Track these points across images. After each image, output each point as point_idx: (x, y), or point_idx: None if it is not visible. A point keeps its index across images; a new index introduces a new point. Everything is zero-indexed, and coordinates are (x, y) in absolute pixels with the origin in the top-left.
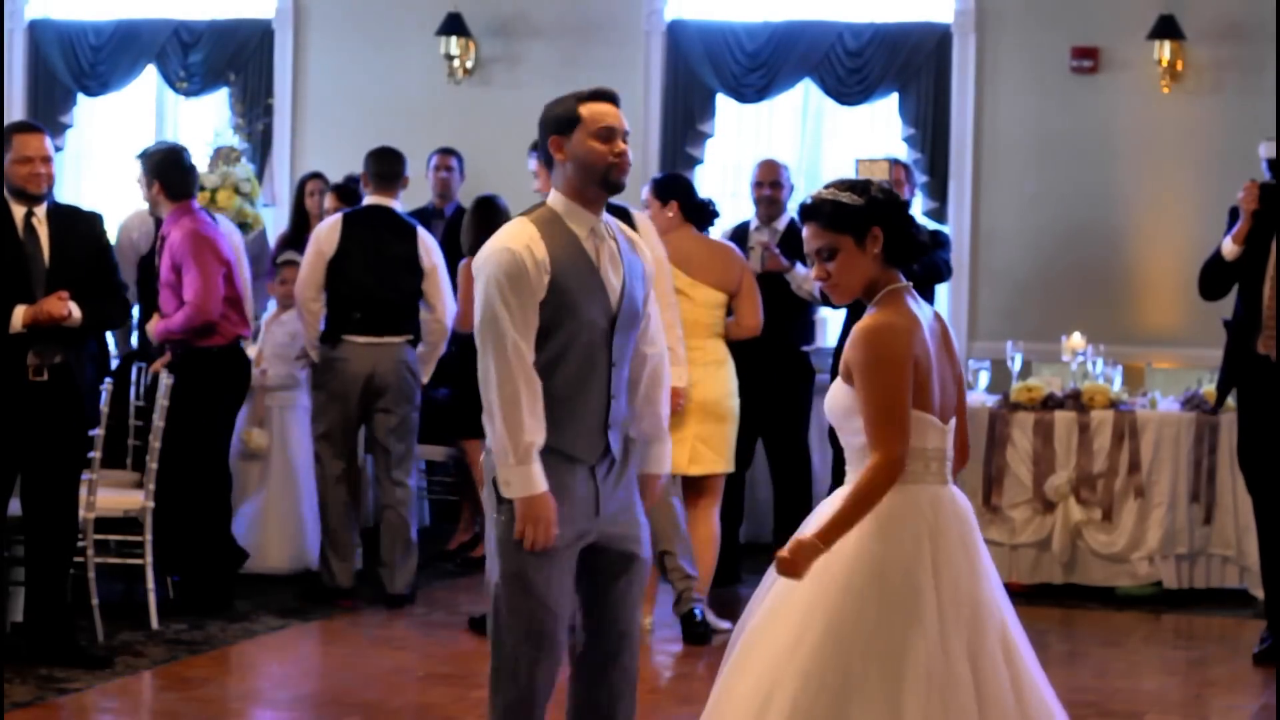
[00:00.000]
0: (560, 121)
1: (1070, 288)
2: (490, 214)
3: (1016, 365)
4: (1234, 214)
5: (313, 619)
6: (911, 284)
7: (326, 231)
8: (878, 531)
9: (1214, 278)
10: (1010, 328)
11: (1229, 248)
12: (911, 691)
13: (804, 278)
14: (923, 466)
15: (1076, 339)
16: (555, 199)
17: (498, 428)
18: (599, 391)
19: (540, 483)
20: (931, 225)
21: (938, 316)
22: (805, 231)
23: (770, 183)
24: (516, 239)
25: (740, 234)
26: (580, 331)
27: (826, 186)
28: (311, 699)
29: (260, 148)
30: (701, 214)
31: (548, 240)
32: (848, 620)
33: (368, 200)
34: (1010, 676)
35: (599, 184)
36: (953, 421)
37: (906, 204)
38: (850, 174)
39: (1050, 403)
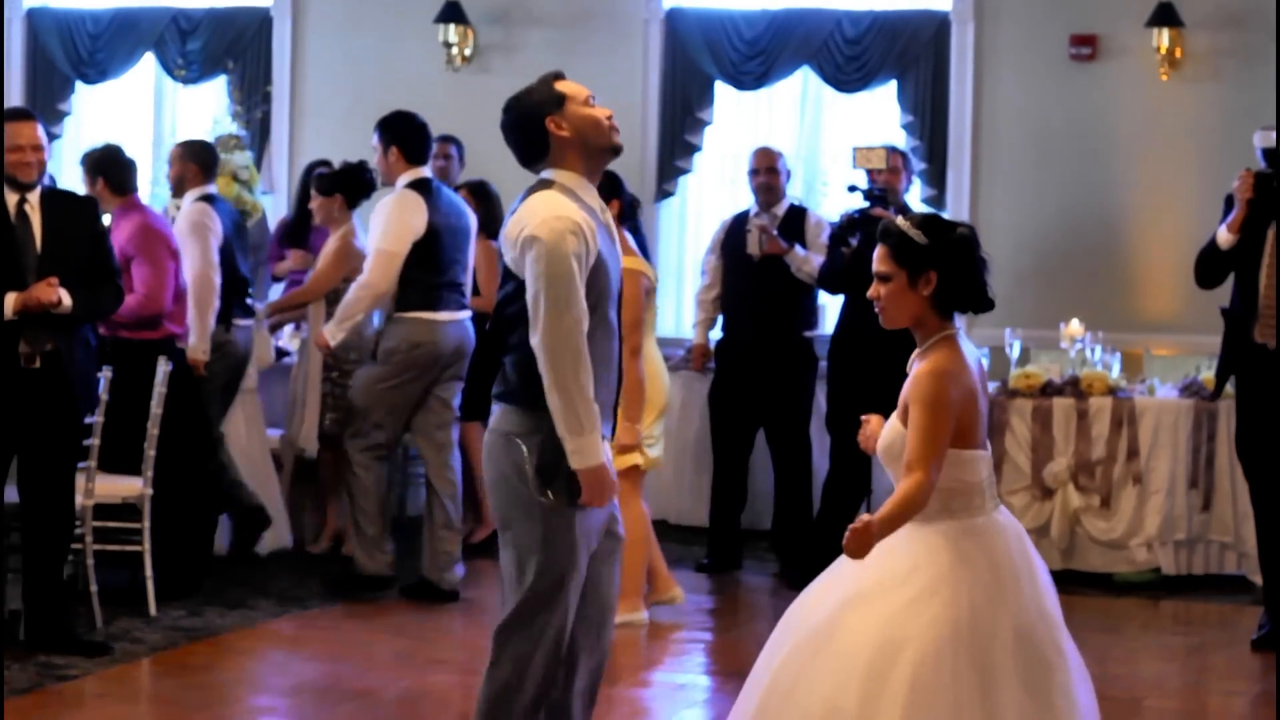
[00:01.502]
0: (547, 102)
1: (1068, 274)
2: (485, 199)
3: (1015, 352)
4: (1229, 202)
5: (311, 606)
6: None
7: (413, 209)
8: (957, 557)
9: (1210, 266)
10: (1009, 315)
11: (1224, 236)
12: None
13: (803, 259)
14: (979, 500)
15: (1075, 326)
16: (563, 175)
17: (570, 393)
18: (614, 363)
19: (606, 453)
20: (929, 212)
21: (975, 356)
22: (876, 250)
23: (766, 169)
24: (569, 208)
25: (739, 222)
26: (607, 305)
27: (910, 216)
28: (310, 685)
29: (259, 135)
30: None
31: (585, 212)
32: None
33: (418, 175)
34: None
35: (604, 149)
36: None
37: (978, 257)
38: (848, 161)
39: (1049, 389)
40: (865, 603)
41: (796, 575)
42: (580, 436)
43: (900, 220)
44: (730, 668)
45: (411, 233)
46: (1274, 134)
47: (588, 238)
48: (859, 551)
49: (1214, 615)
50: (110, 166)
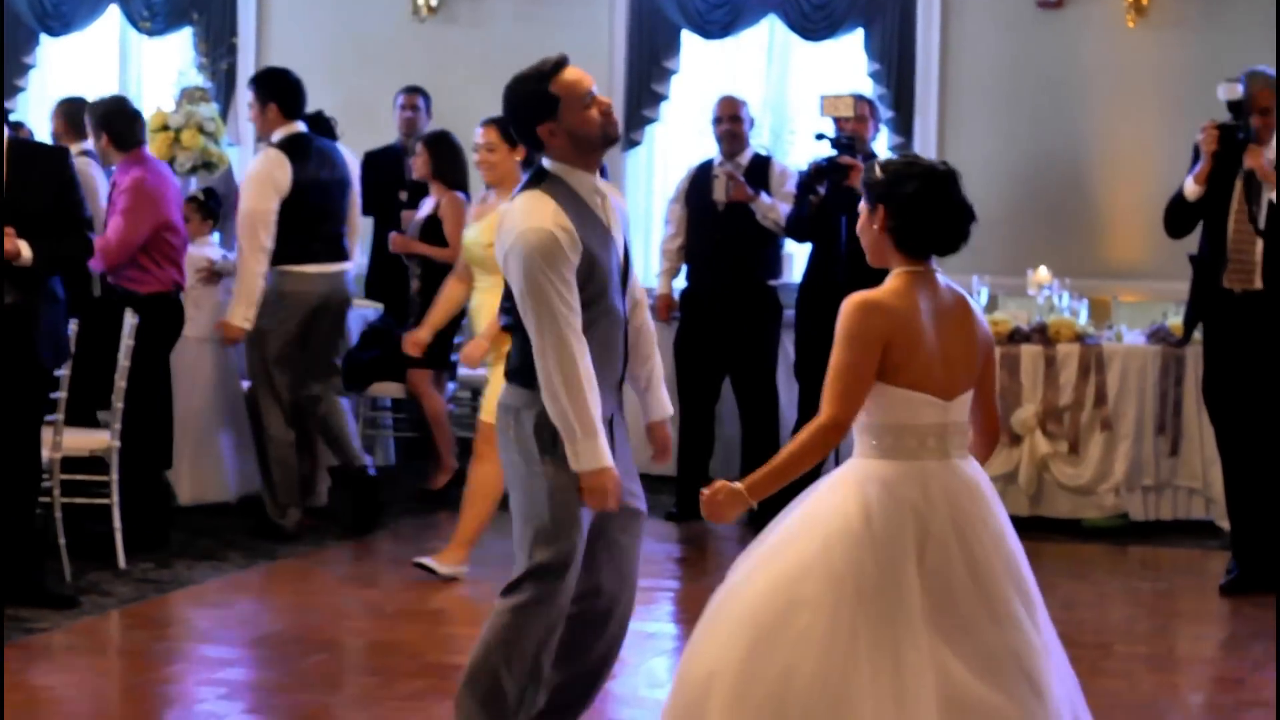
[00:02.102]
0: (541, 108)
1: (1036, 222)
2: (447, 148)
3: (983, 299)
4: (1196, 152)
5: (280, 557)
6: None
7: (276, 166)
8: (863, 507)
9: (1178, 217)
10: (976, 262)
11: (1190, 188)
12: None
13: (769, 207)
14: (916, 443)
15: (1043, 273)
16: (556, 166)
17: (564, 405)
18: (618, 348)
19: (607, 456)
20: (911, 155)
21: (960, 300)
22: None
23: (730, 117)
24: (545, 217)
25: (704, 170)
26: (605, 292)
27: (897, 156)
28: (279, 637)
29: (224, 87)
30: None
31: (568, 210)
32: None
33: (291, 130)
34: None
35: (600, 145)
36: (963, 398)
37: (936, 197)
38: (815, 109)
39: (1017, 336)
40: (766, 561)
41: (766, 523)
42: (576, 441)
43: (886, 158)
44: (698, 616)
45: (276, 190)
46: (1238, 85)
47: (564, 243)
48: (712, 516)
49: (1181, 560)
50: (115, 120)
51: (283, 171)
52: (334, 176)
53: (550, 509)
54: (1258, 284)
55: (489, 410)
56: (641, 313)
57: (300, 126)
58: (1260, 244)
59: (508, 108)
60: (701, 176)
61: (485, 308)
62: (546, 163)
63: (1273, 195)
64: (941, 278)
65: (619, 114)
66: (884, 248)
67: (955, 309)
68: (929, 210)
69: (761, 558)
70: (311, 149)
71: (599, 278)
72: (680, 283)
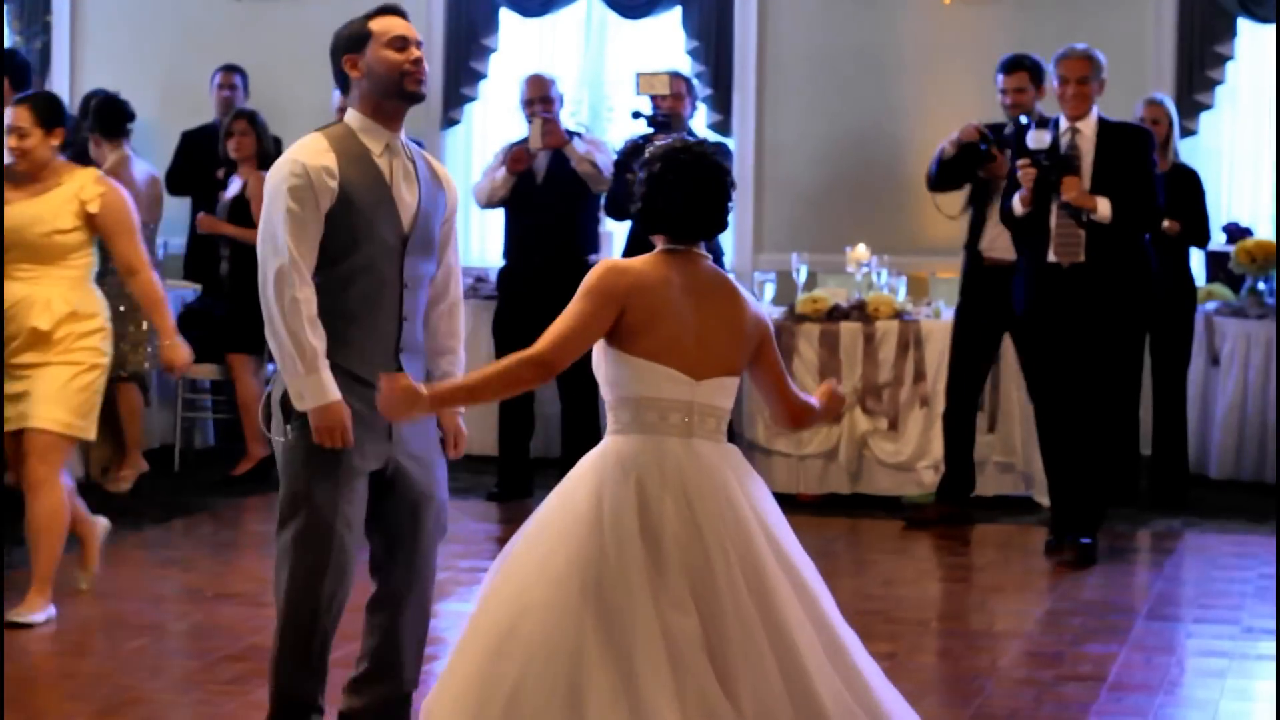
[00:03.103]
0: (352, 40)
1: (854, 199)
2: (261, 127)
3: (802, 277)
4: (1011, 176)
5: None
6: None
7: None
8: (594, 490)
9: (1013, 224)
10: (795, 239)
11: (1019, 209)
12: (642, 657)
13: (582, 155)
14: (657, 417)
15: (861, 250)
16: (351, 116)
17: (282, 338)
18: (390, 311)
19: (332, 391)
20: (714, 138)
21: (726, 285)
22: None
23: (540, 99)
24: (304, 151)
25: (524, 147)
26: (370, 248)
27: (675, 139)
28: (99, 621)
29: (39, 65)
30: None
31: (339, 154)
32: (564, 579)
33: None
34: (767, 623)
35: (396, 94)
36: (720, 382)
37: (667, 182)
38: (632, 87)
39: (835, 314)
40: (505, 569)
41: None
42: (297, 377)
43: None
44: None
45: None
46: (1046, 134)
47: (313, 180)
48: (386, 409)
49: (1000, 536)
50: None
51: None
52: None
53: (294, 473)
54: (1082, 257)
55: (42, 416)
56: (445, 301)
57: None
58: (1084, 231)
59: (332, 47)
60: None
61: (37, 301)
62: (347, 115)
63: (1091, 210)
64: (709, 263)
65: (436, 92)
66: (649, 226)
67: (718, 292)
68: (667, 193)
69: (503, 566)
70: None
71: (358, 232)
72: (499, 261)
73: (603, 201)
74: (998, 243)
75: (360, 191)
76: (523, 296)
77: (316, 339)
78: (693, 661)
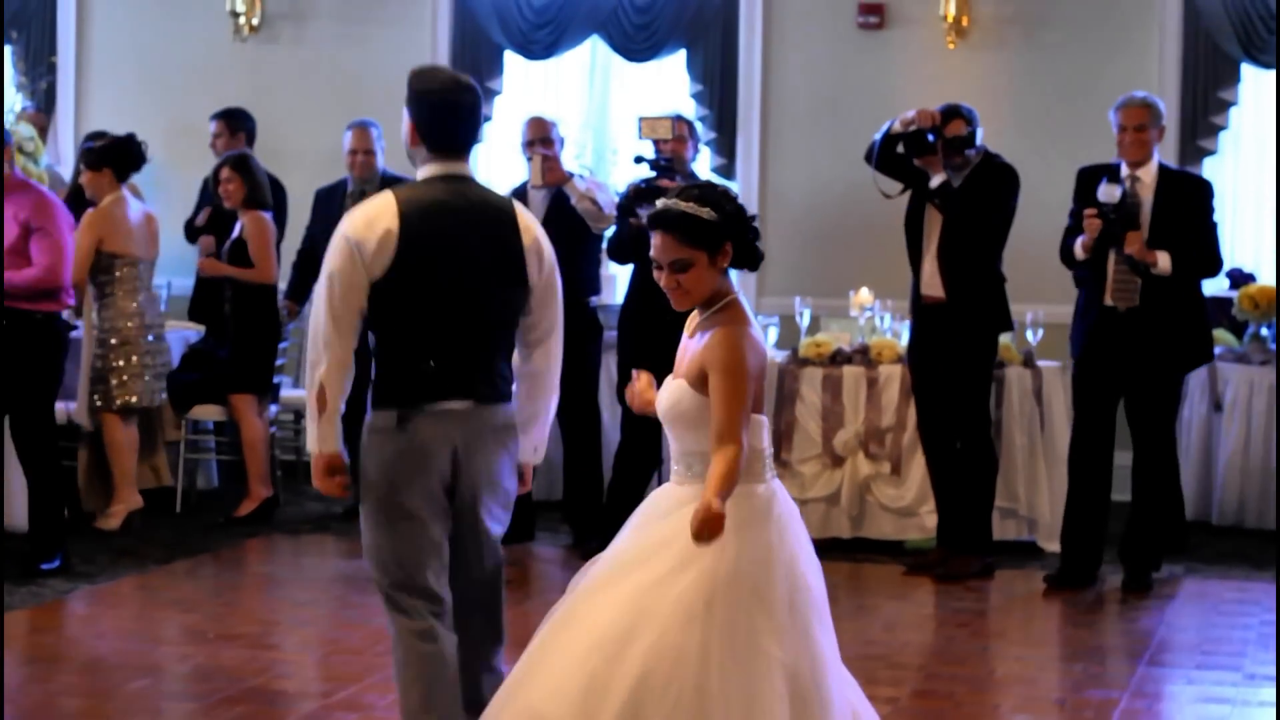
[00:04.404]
0: None
1: (857, 243)
2: (248, 169)
3: (805, 321)
4: (1076, 215)
5: (100, 581)
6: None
7: None
8: (735, 526)
9: (1072, 265)
10: (798, 283)
11: (1080, 255)
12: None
13: (583, 192)
14: (761, 466)
15: (864, 294)
16: None
17: (307, 383)
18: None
19: (326, 441)
20: (718, 181)
21: None
22: (656, 240)
23: (541, 140)
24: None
25: (519, 194)
26: None
27: (682, 196)
28: (102, 662)
29: (44, 106)
30: None
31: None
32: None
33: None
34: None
35: None
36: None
37: (753, 216)
38: (634, 131)
39: (838, 358)
40: (614, 579)
41: (592, 546)
42: (311, 421)
43: (677, 204)
44: (520, 638)
45: None
46: (1116, 189)
47: (361, 241)
48: (712, 536)
49: (1003, 581)
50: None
51: None
52: None
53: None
54: (1137, 302)
55: None
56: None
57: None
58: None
59: None
60: (517, 200)
61: None
62: None
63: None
64: None
65: None
66: (717, 280)
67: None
68: (753, 223)
69: (606, 579)
70: None
71: None
72: None
73: (605, 245)
74: (933, 281)
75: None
76: None
77: (332, 389)
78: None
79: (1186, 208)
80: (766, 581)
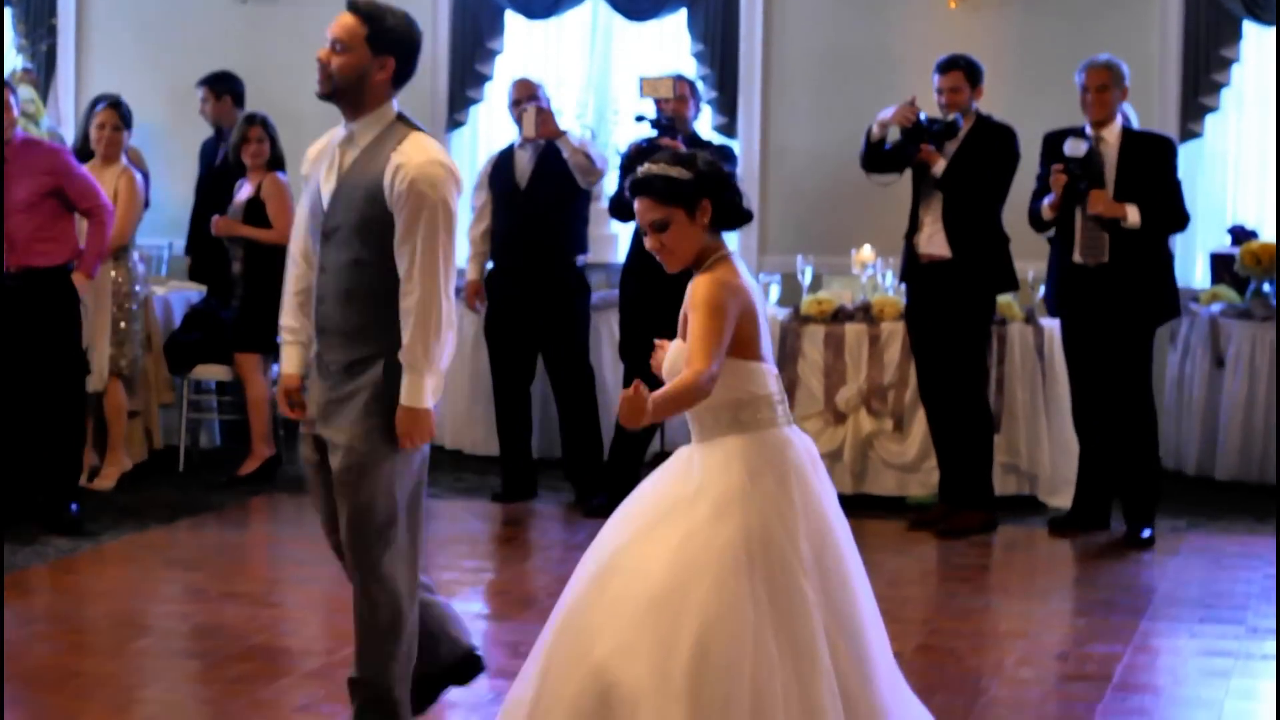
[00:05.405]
0: None
1: (859, 201)
2: (269, 129)
3: (807, 278)
4: (1042, 179)
5: (103, 540)
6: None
7: None
8: (748, 471)
9: (1040, 225)
10: (800, 241)
11: (1047, 214)
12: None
13: (576, 147)
14: (769, 413)
15: (866, 252)
16: None
17: None
18: (309, 294)
19: (286, 366)
20: (719, 141)
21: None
22: (637, 205)
23: (528, 98)
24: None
25: (506, 155)
26: (309, 228)
27: (655, 161)
28: (105, 620)
29: (44, 70)
30: None
31: (326, 143)
32: (729, 566)
33: None
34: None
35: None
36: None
37: (732, 174)
38: (635, 91)
39: (841, 315)
40: (652, 531)
41: (595, 504)
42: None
43: (652, 167)
44: (524, 596)
45: None
46: (1083, 145)
47: (302, 167)
48: (631, 419)
49: (1005, 536)
50: None
51: None
52: None
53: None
54: (1106, 258)
55: None
56: (406, 288)
57: None
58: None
59: None
60: (504, 162)
61: None
62: None
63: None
64: None
65: (442, 94)
66: (704, 240)
67: (757, 285)
68: (736, 186)
69: (640, 534)
70: None
71: (310, 217)
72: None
73: (606, 204)
74: (935, 240)
75: (314, 182)
76: (512, 299)
77: (289, 317)
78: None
79: (1150, 165)
80: (790, 527)
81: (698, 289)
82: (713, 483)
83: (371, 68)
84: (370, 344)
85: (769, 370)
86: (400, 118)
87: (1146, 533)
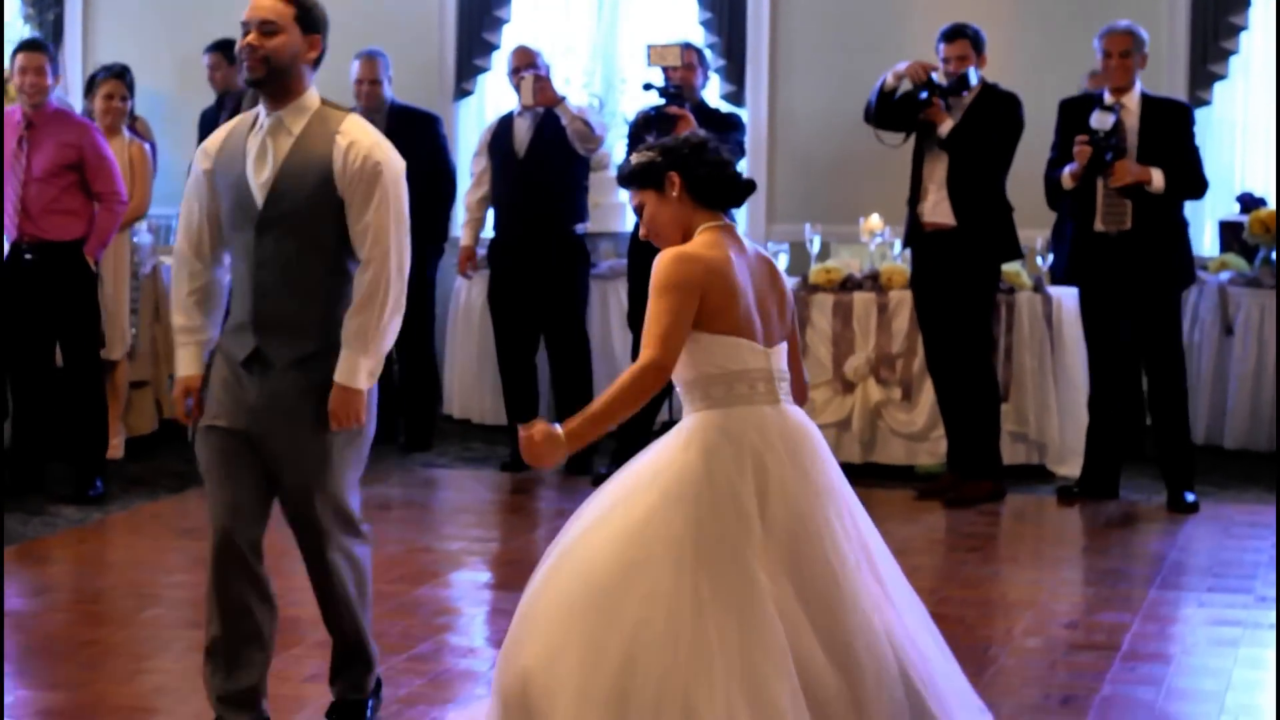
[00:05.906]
0: None
1: (867, 169)
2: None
3: (815, 247)
4: (1062, 139)
5: (112, 510)
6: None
7: None
8: (703, 451)
9: (1055, 195)
10: (808, 210)
11: (1068, 183)
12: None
13: (575, 114)
14: (748, 388)
15: (875, 220)
16: None
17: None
18: (243, 286)
19: (181, 366)
20: (727, 109)
21: (764, 256)
22: (632, 201)
23: (527, 66)
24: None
25: (505, 123)
26: (227, 223)
27: (638, 151)
28: (115, 590)
29: (52, 38)
30: None
31: (227, 132)
32: (678, 538)
33: None
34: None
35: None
36: (781, 348)
37: (706, 147)
38: (643, 59)
39: (849, 284)
40: (608, 514)
41: (599, 473)
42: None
43: (631, 157)
44: (531, 565)
45: None
46: (1110, 117)
47: (197, 158)
48: (537, 460)
49: (1013, 505)
50: None
51: None
52: None
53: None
54: (1129, 225)
55: None
56: (363, 274)
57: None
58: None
59: None
60: (503, 130)
61: None
62: None
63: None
64: (743, 235)
65: (449, 63)
66: (683, 214)
67: (762, 262)
68: (717, 160)
69: (596, 519)
70: None
71: (225, 207)
72: (489, 234)
73: (615, 174)
74: (940, 208)
75: (223, 171)
76: (513, 269)
77: (178, 317)
78: (795, 620)
79: (1170, 132)
80: (744, 511)
81: (654, 269)
82: (669, 463)
83: (302, 48)
84: (320, 338)
85: (747, 345)
86: (325, 101)
87: (1190, 497)
